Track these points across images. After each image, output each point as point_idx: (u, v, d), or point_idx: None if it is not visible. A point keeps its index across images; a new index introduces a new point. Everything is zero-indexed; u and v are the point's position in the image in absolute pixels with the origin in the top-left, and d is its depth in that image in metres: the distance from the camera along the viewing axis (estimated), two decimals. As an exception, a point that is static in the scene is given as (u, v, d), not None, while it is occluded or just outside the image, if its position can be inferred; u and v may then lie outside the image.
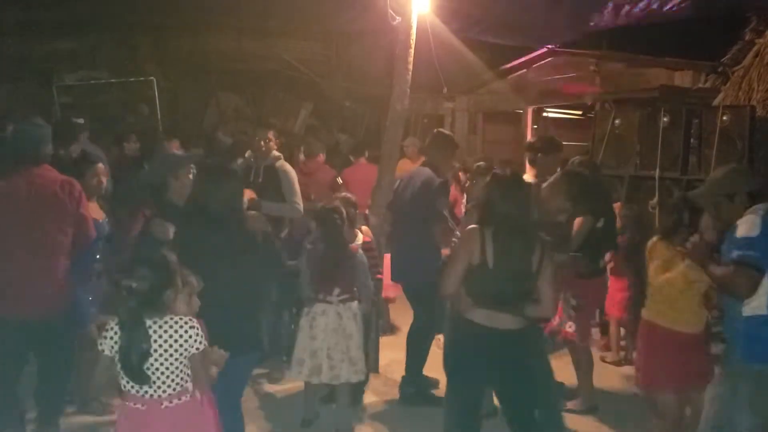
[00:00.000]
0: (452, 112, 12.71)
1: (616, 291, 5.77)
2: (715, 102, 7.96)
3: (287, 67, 12.75)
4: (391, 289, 6.03)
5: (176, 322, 2.84)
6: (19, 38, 10.85)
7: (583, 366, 4.92)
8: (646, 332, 3.94)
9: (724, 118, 6.58)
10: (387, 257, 5.56)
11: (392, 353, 5.69)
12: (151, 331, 2.80)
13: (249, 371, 3.76)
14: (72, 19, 10.37)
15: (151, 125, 10.11)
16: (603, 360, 5.93)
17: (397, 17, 5.89)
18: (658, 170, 6.95)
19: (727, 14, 8.45)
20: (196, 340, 2.85)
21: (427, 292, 4.80)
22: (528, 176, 5.26)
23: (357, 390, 4.85)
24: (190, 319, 2.88)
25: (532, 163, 5.45)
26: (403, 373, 5.19)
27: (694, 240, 3.52)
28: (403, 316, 5.49)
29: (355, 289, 4.51)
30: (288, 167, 5.77)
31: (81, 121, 6.39)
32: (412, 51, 5.78)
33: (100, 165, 4.71)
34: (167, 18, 10.54)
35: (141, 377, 2.80)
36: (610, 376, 5.63)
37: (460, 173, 7.28)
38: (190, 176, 4.09)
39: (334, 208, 4.52)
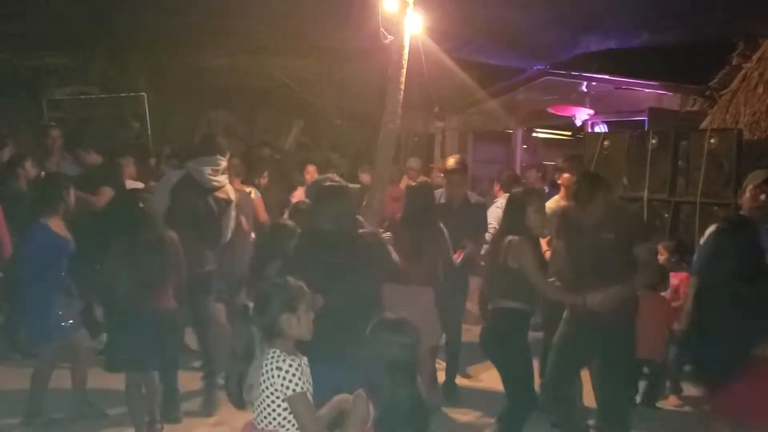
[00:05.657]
0: (443, 132, 12.76)
1: None
2: (703, 125, 8.04)
3: (279, 85, 12.77)
4: None
5: (272, 358, 2.69)
6: (9, 52, 10.82)
7: None
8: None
9: (712, 141, 6.62)
10: None
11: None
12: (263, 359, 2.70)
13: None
14: (63, 34, 10.36)
15: (142, 141, 10.08)
16: None
17: (390, 36, 5.94)
18: (646, 192, 6.99)
19: (715, 39, 8.57)
20: (283, 384, 2.67)
21: None
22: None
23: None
24: (284, 360, 2.68)
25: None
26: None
27: None
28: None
29: None
30: None
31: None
32: (404, 71, 5.83)
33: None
34: (159, 34, 10.55)
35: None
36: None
37: None
38: None
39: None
